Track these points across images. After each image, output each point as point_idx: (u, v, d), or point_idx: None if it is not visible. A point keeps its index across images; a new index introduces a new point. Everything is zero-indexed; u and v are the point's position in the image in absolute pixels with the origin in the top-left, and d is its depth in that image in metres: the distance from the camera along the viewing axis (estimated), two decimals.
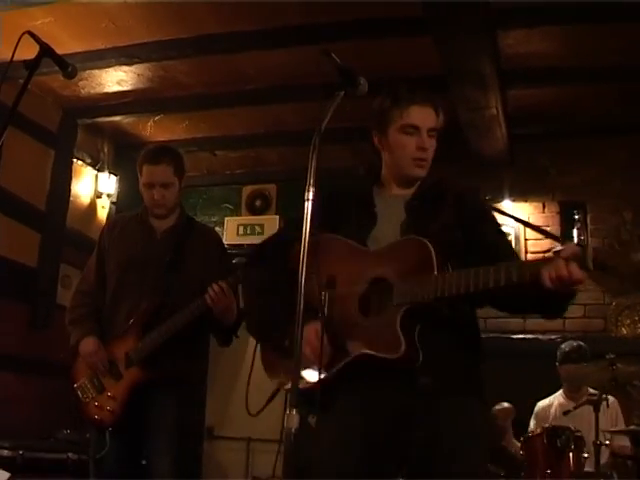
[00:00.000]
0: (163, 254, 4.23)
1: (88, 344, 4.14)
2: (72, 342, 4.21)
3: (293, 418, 2.16)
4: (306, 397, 2.58)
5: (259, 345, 3.02)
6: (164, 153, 4.33)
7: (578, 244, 2.42)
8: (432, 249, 2.61)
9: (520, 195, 7.55)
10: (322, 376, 2.59)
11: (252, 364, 2.97)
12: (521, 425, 6.01)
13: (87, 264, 4.49)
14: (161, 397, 4.02)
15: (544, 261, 2.44)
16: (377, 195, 3.02)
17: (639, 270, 2.27)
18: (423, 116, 2.92)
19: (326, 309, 2.69)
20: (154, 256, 4.23)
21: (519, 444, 5.58)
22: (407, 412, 2.64)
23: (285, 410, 2.18)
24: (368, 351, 2.61)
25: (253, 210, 8.31)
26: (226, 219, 8.27)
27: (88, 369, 4.16)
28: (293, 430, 2.15)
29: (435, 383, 2.64)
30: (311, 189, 2.31)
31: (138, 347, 4.04)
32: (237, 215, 8.35)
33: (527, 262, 2.50)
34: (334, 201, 3.01)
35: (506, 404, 6.02)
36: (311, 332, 2.66)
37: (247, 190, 8.44)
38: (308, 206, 2.32)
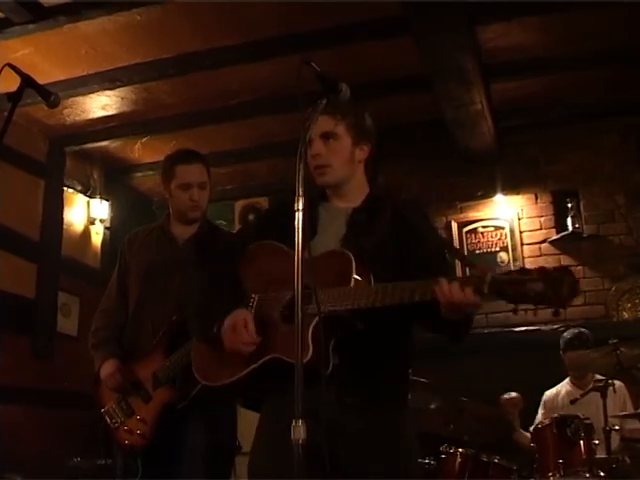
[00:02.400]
0: (186, 264, 4.00)
1: (107, 367, 4.00)
2: (95, 367, 4.08)
3: (300, 429, 2.15)
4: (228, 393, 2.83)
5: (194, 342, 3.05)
6: (196, 153, 4.23)
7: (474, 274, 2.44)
8: (353, 262, 2.63)
9: (512, 188, 7.56)
10: (239, 373, 2.73)
11: None
12: (531, 415, 6.02)
13: (110, 282, 4.35)
14: (192, 419, 3.84)
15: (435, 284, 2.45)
16: (322, 207, 3.03)
17: (539, 298, 2.28)
18: (317, 127, 2.87)
19: (253, 310, 2.80)
20: (176, 266, 4.06)
21: (528, 435, 5.59)
22: (329, 425, 2.58)
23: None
24: (279, 355, 2.65)
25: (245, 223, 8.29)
26: None
27: (114, 393, 4.01)
28: (301, 442, 2.15)
29: (354, 400, 2.68)
30: (300, 199, 2.30)
31: (165, 366, 3.87)
32: (231, 230, 8.31)
33: (428, 282, 2.45)
34: (281, 214, 2.93)
35: (514, 393, 6.03)
36: (239, 320, 2.73)
37: (239, 205, 8.44)
38: (299, 216, 2.31)
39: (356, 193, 3.02)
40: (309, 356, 2.50)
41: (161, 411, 3.86)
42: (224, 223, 8.45)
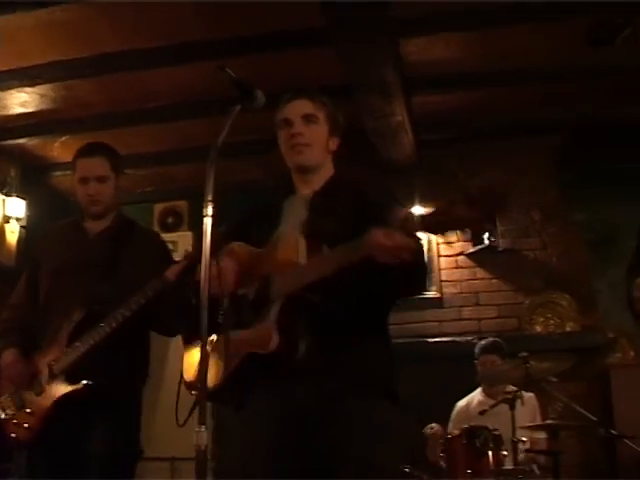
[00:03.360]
0: (97, 258, 3.96)
1: (6, 357, 3.90)
2: None
3: (202, 435, 2.14)
4: (217, 398, 2.74)
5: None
6: (100, 147, 4.17)
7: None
8: (302, 240, 2.68)
9: (430, 199, 7.59)
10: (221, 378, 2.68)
11: (181, 372, 2.93)
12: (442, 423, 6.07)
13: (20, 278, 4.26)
14: (92, 418, 3.72)
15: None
16: (286, 200, 3.07)
17: (466, 223, 2.30)
18: (292, 108, 3.01)
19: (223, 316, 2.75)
20: (87, 261, 3.96)
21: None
22: (313, 416, 2.65)
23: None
24: (250, 350, 2.64)
25: (166, 227, 8.22)
26: None
27: (11, 385, 3.87)
28: (203, 447, 2.14)
29: (338, 386, 2.66)
30: (210, 205, 2.31)
31: (59, 358, 3.74)
32: None
33: (359, 240, 2.46)
34: (248, 219, 3.09)
35: (435, 425, 6.04)
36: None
37: (159, 208, 8.38)
38: (207, 222, 2.32)
39: (322, 181, 3.07)
40: (275, 345, 2.52)
41: (53, 405, 3.75)
42: None
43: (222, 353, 2.67)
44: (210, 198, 2.31)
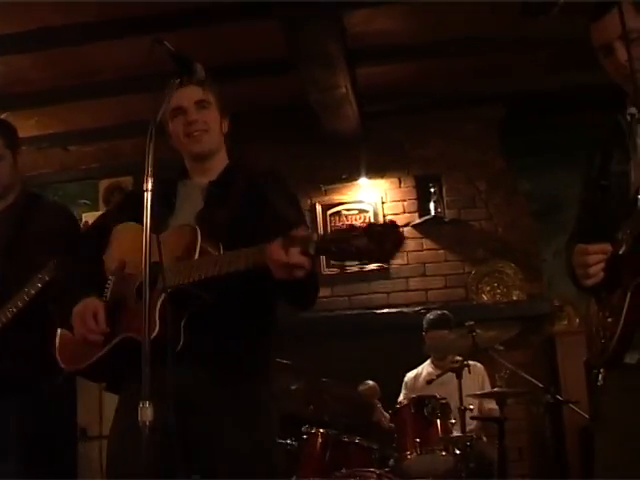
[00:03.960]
0: None
1: None
2: None
3: (147, 411, 2.13)
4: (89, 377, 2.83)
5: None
6: None
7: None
8: (198, 234, 2.67)
9: (376, 172, 7.63)
10: (93, 357, 2.73)
11: None
12: (394, 397, 6.10)
13: None
14: (8, 403, 3.59)
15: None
16: (181, 187, 3.06)
17: (362, 254, 2.32)
18: (183, 95, 2.95)
19: (109, 293, 2.82)
20: None
21: (388, 415, 5.70)
22: (188, 403, 2.64)
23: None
24: (128, 334, 2.65)
25: (110, 204, 8.13)
26: (83, 215, 7.92)
27: None
28: (148, 423, 2.13)
29: (212, 373, 2.70)
30: (149, 180, 2.29)
31: None
32: (95, 210, 8.03)
33: (261, 246, 2.47)
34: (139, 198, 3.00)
35: (370, 382, 6.09)
36: (87, 309, 2.72)
37: (103, 184, 8.27)
38: (147, 197, 2.30)
39: (218, 168, 3.05)
40: (156, 332, 2.49)
41: None
42: (88, 203, 8.30)
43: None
44: (150, 173, 2.29)
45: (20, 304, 3.60)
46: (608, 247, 2.49)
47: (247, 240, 2.61)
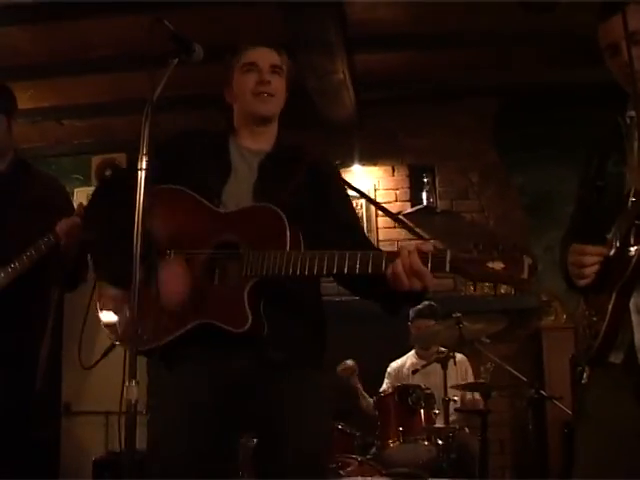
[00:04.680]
0: None
1: None
2: None
3: (133, 390, 2.13)
4: (151, 357, 2.64)
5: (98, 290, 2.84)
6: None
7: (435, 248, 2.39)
8: (286, 222, 2.57)
9: (369, 159, 7.63)
10: (164, 338, 2.59)
11: (87, 312, 2.83)
12: (375, 386, 6.12)
13: None
14: None
15: (396, 255, 2.41)
16: (232, 144, 2.95)
17: (489, 278, 2.31)
18: (261, 54, 2.92)
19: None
20: None
21: (371, 401, 5.72)
22: (254, 385, 2.65)
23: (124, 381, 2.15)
24: (213, 321, 2.56)
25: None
26: (76, 190, 7.91)
27: None
28: (133, 402, 2.13)
29: (284, 357, 2.66)
30: (144, 158, 2.27)
31: None
32: (87, 186, 8.04)
33: (382, 253, 2.43)
34: (182, 144, 2.92)
35: (349, 361, 6.10)
36: (178, 267, 2.62)
37: (97, 160, 8.21)
38: (141, 176, 2.27)
39: (270, 138, 2.98)
40: (249, 324, 2.49)
41: None
42: (80, 178, 8.29)
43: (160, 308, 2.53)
44: (145, 151, 2.28)
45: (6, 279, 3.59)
46: (605, 250, 2.51)
47: (310, 225, 2.62)
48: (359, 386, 6.04)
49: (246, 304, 2.51)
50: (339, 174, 3.07)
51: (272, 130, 3.00)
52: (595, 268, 2.51)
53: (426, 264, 2.34)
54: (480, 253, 2.32)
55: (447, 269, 2.33)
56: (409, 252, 2.37)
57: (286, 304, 2.67)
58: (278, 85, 2.93)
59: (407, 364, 6.21)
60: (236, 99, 2.96)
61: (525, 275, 2.28)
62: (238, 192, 2.78)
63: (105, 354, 2.85)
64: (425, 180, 7.45)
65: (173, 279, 2.58)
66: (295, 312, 2.71)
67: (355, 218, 3.06)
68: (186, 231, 2.72)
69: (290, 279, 2.55)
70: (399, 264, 2.37)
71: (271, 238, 2.57)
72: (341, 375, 6.04)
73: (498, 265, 2.28)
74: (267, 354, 2.64)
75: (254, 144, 2.94)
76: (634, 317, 2.45)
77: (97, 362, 2.83)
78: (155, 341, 2.57)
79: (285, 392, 2.68)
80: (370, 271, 2.42)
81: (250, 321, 2.49)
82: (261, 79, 2.88)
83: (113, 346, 2.81)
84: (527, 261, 2.28)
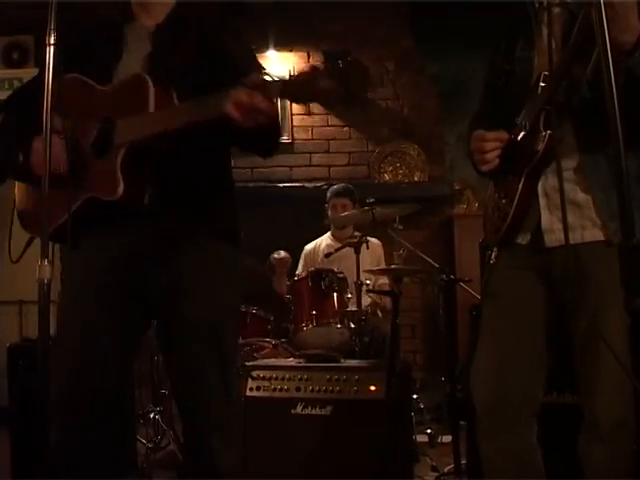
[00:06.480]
0: None
1: None
2: None
3: (45, 269, 2.11)
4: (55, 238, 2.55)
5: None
6: None
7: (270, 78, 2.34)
8: (150, 84, 2.53)
9: (285, 45, 7.52)
10: (56, 221, 2.54)
11: (13, 206, 2.83)
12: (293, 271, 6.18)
13: None
14: None
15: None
16: (127, 28, 2.83)
17: (327, 95, 2.31)
18: None
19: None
20: None
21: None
22: (150, 258, 2.62)
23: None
24: (92, 194, 2.55)
25: (10, 63, 7.82)
26: None
27: None
28: (46, 281, 2.12)
29: (177, 226, 2.64)
30: (52, 34, 2.21)
31: None
32: None
33: (219, 95, 2.35)
34: (78, 37, 2.85)
35: (283, 252, 6.14)
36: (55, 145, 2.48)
37: (2, 42, 7.96)
38: (50, 51, 2.22)
39: (166, 9, 2.82)
40: (121, 191, 2.45)
41: None
42: None
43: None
44: (53, 26, 2.22)
45: None
46: (505, 135, 2.56)
47: (201, 89, 2.49)
48: (284, 277, 6.08)
49: (118, 172, 2.48)
50: (234, 29, 2.97)
51: (164, 2, 2.86)
52: (496, 153, 2.56)
53: (257, 94, 2.29)
54: (309, 73, 2.31)
55: (277, 95, 2.33)
56: (240, 89, 2.32)
57: (175, 173, 2.62)
58: None
59: (322, 246, 6.23)
60: None
61: (355, 84, 2.27)
62: (130, 68, 2.69)
63: (28, 245, 2.83)
64: (340, 66, 7.36)
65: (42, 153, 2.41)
66: (189, 182, 2.66)
67: (249, 67, 2.94)
68: (79, 112, 2.66)
69: (174, 146, 2.52)
70: (231, 104, 2.33)
71: (138, 103, 2.54)
72: (274, 264, 6.08)
73: (328, 83, 2.25)
74: (158, 226, 2.61)
75: (149, 19, 2.82)
76: (541, 200, 2.50)
77: (22, 254, 2.79)
78: (52, 224, 2.52)
79: (181, 264, 2.65)
80: (213, 112, 2.38)
81: (122, 188, 2.46)
82: None
83: (33, 238, 2.81)
84: (356, 71, 2.27)
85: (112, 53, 2.76)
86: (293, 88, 2.31)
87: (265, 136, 2.58)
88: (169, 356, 2.77)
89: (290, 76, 2.33)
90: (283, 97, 2.37)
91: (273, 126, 2.53)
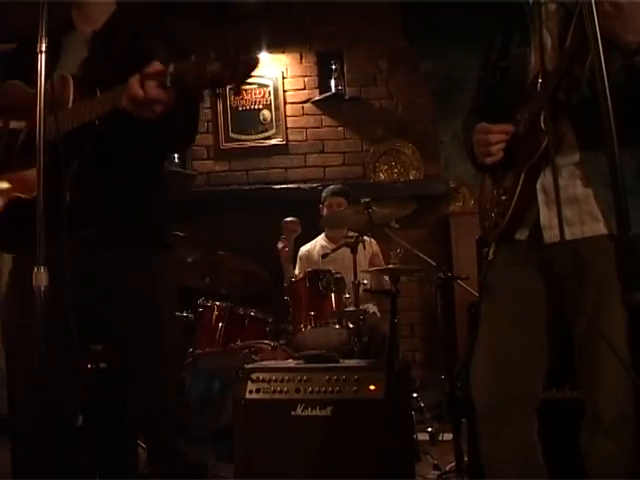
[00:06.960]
0: None
1: None
2: None
3: (42, 276, 2.11)
4: None
5: None
6: None
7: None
8: (70, 83, 2.58)
9: (277, 46, 7.50)
10: None
11: None
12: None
13: None
14: None
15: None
16: (65, 38, 2.87)
17: (217, 79, 2.30)
18: None
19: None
20: None
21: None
22: (77, 267, 2.55)
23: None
24: (15, 194, 2.59)
25: None
26: None
27: None
28: (43, 288, 2.11)
29: (99, 233, 2.65)
30: (44, 40, 2.20)
31: None
32: None
33: (122, 87, 2.41)
34: (26, 51, 2.78)
35: (294, 218, 6.07)
36: None
37: None
38: (42, 58, 2.21)
39: (104, 16, 2.88)
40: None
41: None
42: None
43: None
44: (44, 33, 2.20)
45: None
46: (509, 128, 2.55)
47: None
48: (289, 250, 6.05)
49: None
50: (167, 33, 2.97)
51: (104, 7, 2.90)
52: (501, 146, 2.55)
53: (148, 83, 2.35)
54: (197, 58, 2.31)
55: (168, 83, 2.32)
56: (135, 81, 2.37)
57: (100, 175, 2.63)
58: None
59: (317, 248, 6.24)
60: None
61: (240, 70, 2.26)
62: (66, 72, 2.71)
63: None
64: (333, 67, 7.38)
65: None
66: (112, 185, 2.68)
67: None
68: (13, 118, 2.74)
69: (100, 146, 2.56)
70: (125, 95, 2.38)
71: (61, 102, 2.56)
72: (284, 227, 6.03)
73: (215, 66, 2.25)
74: (82, 232, 2.59)
75: (87, 26, 2.87)
76: (540, 196, 2.49)
77: None
78: None
79: (101, 271, 2.68)
80: (116, 103, 2.43)
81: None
82: None
83: None
84: (243, 58, 2.26)
85: (50, 59, 2.76)
86: (183, 76, 2.32)
87: (169, 127, 2.57)
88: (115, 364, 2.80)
89: (181, 63, 2.33)
90: (174, 85, 2.34)
91: (175, 116, 2.51)
